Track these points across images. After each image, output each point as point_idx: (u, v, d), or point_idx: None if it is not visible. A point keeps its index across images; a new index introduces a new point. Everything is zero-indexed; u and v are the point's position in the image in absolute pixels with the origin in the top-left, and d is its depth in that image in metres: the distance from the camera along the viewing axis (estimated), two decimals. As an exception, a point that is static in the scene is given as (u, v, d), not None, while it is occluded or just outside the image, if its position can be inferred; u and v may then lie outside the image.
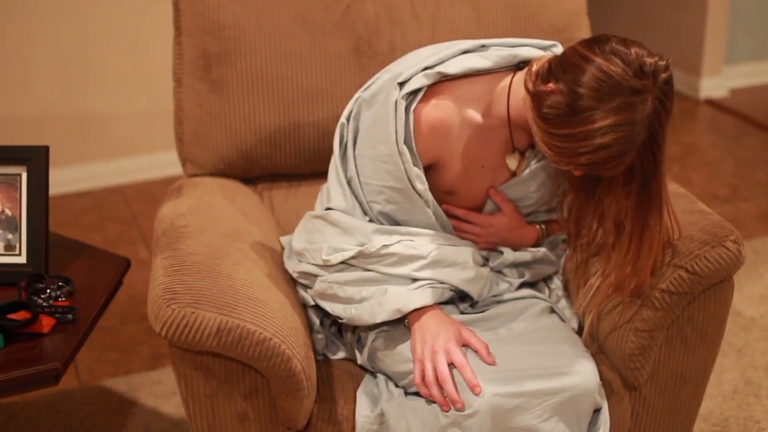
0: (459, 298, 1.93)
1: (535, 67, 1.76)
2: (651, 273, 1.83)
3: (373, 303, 1.81)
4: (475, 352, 1.76)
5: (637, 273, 1.80)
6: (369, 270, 1.85)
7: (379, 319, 1.81)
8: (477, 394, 1.68)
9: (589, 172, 1.73)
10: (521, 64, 1.88)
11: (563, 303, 2.04)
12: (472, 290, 1.90)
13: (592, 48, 1.66)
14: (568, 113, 1.64)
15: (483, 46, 1.92)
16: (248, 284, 1.78)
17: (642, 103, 1.62)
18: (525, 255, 2.01)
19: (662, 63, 1.64)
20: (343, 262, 1.86)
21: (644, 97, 1.62)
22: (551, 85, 1.67)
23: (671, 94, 1.66)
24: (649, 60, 1.63)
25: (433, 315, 1.81)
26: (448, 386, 1.70)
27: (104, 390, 2.80)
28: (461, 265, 1.87)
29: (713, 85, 5.16)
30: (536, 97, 1.70)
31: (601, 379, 1.81)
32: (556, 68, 1.69)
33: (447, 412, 1.69)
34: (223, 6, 2.24)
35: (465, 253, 1.89)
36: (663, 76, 1.64)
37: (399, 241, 1.84)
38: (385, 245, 1.83)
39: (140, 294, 3.29)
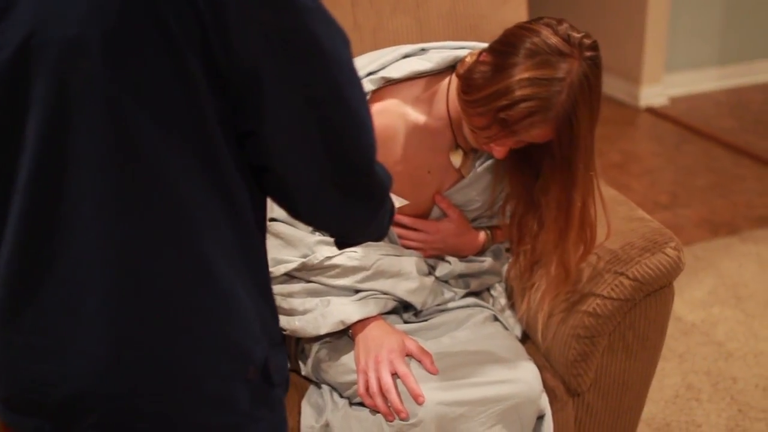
0: (403, 307, 1.94)
1: (468, 59, 1.79)
2: (579, 260, 1.84)
3: (316, 315, 1.81)
4: (419, 361, 1.77)
5: (563, 254, 1.82)
6: (312, 282, 1.84)
7: (323, 331, 1.81)
8: (420, 404, 1.68)
9: (501, 135, 1.72)
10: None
11: (507, 311, 2.05)
12: (416, 300, 1.90)
13: (523, 23, 1.73)
14: (493, 71, 1.68)
15: (423, 49, 1.93)
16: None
17: (563, 63, 1.65)
18: (472, 266, 2.02)
19: (589, 41, 1.68)
20: (286, 274, 1.86)
21: (566, 59, 1.65)
22: (483, 55, 1.73)
23: (598, 73, 1.69)
24: (576, 34, 1.68)
25: (377, 326, 1.81)
26: (392, 396, 1.70)
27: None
28: (405, 275, 1.88)
29: (653, 93, 5.22)
30: (466, 74, 1.74)
31: (544, 386, 1.83)
32: (490, 46, 1.75)
33: (392, 422, 1.70)
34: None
35: (408, 263, 1.90)
36: (588, 53, 1.67)
37: (342, 253, 1.84)
38: (328, 257, 1.83)
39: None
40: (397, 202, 1.87)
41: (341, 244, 1.46)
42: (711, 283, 3.40)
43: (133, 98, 1.10)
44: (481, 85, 1.69)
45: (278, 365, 1.32)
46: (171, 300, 1.19)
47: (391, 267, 1.86)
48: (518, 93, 1.64)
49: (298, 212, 1.30)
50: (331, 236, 1.44)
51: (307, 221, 1.36)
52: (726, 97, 5.39)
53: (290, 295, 1.85)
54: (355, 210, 1.30)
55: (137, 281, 1.17)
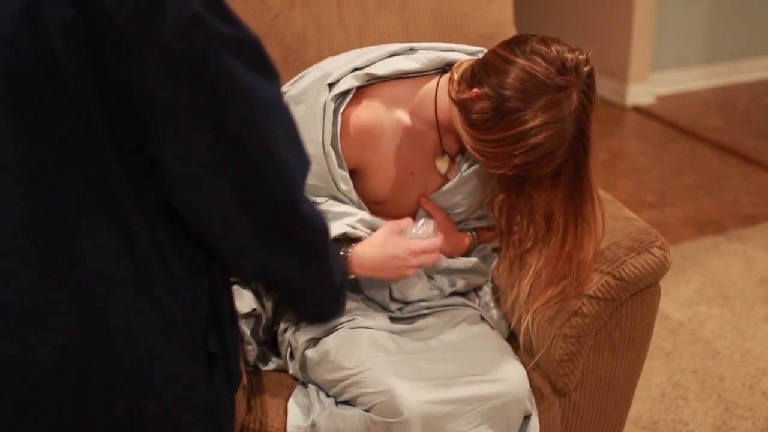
0: (390, 296, 1.93)
1: (456, 75, 1.77)
2: (591, 267, 1.84)
3: None
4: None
5: (579, 268, 1.81)
6: None
7: None
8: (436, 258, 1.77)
9: (522, 172, 1.74)
10: (447, 67, 1.89)
11: (493, 311, 2.04)
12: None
13: (513, 49, 1.68)
14: (496, 117, 1.66)
15: (411, 49, 1.93)
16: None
17: (568, 99, 1.64)
18: (457, 262, 2.01)
19: (582, 57, 1.67)
20: None
21: (569, 93, 1.64)
22: (476, 90, 1.69)
23: (593, 85, 1.69)
24: (570, 56, 1.66)
25: (364, 244, 1.82)
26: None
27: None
28: None
29: (640, 92, 5.23)
30: (462, 105, 1.71)
31: (531, 386, 1.82)
32: (479, 73, 1.71)
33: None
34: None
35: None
36: (585, 69, 1.67)
37: (327, 201, 1.87)
38: (316, 201, 1.85)
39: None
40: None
41: (301, 315, 1.40)
42: (698, 282, 3.40)
43: (24, 117, 1.08)
44: (485, 129, 1.68)
45: (171, 408, 1.26)
46: (57, 328, 1.18)
47: (375, 224, 1.88)
48: (530, 141, 1.65)
49: (224, 256, 1.25)
50: (280, 298, 1.38)
51: (234, 268, 1.31)
52: (713, 95, 5.40)
53: None
54: (285, 256, 1.24)
55: (26, 301, 1.16)
